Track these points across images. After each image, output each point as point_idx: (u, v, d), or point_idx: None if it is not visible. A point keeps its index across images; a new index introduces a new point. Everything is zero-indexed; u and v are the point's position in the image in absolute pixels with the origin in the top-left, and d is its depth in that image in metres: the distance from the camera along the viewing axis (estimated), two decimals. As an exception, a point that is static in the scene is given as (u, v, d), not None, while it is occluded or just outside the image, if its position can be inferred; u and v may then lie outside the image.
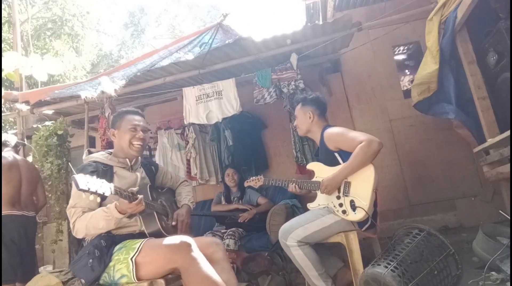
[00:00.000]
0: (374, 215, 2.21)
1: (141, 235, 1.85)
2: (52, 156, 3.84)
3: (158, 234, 1.86)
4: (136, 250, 1.68)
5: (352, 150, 2.16)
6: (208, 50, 3.25)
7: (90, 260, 1.70)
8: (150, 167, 2.19)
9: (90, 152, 2.05)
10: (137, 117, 2.03)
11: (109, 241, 1.76)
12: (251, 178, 2.65)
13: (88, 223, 1.71)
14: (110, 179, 1.82)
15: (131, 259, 1.66)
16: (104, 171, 1.87)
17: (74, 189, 1.74)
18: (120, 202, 1.66)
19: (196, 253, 1.65)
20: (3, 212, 2.81)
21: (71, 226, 1.77)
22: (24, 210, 2.94)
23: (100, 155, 1.97)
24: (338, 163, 2.27)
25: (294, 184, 2.42)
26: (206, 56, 3.32)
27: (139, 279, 1.67)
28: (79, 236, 1.77)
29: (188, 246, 1.64)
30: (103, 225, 1.70)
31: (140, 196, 1.68)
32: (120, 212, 1.66)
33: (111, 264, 1.69)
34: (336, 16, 4.14)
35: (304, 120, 2.45)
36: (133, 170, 2.02)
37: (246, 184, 2.71)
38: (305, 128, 2.46)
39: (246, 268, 2.84)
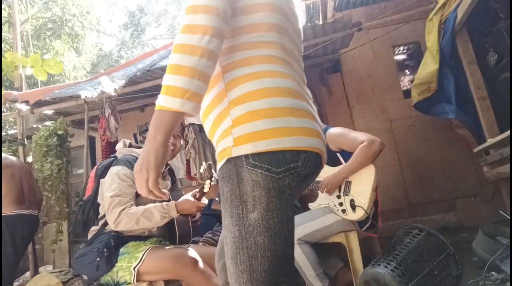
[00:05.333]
0: (375, 215, 2.21)
1: (147, 237, 1.86)
2: (52, 156, 3.84)
3: (186, 240, 1.87)
4: (139, 260, 1.68)
5: (353, 150, 2.17)
6: (208, 50, 3.24)
7: (98, 259, 1.69)
8: (173, 177, 2.18)
9: (131, 145, 1.99)
10: None
11: (118, 241, 1.76)
12: None
13: (141, 215, 1.67)
14: None
15: (133, 268, 1.67)
16: None
17: (116, 178, 1.74)
18: (183, 201, 1.64)
19: (202, 267, 1.66)
20: (12, 212, 2.79)
21: (114, 215, 1.68)
22: (30, 208, 2.94)
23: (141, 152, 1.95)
24: (340, 163, 2.27)
25: None
26: (206, 56, 3.31)
27: (139, 281, 1.70)
28: (119, 228, 1.71)
29: (194, 261, 1.65)
30: (156, 220, 1.68)
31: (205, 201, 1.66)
32: (178, 212, 1.65)
33: (115, 269, 1.70)
34: (336, 16, 4.14)
35: None
36: (164, 176, 2.01)
37: None
38: None
39: None
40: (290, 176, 0.81)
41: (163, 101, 0.78)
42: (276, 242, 0.80)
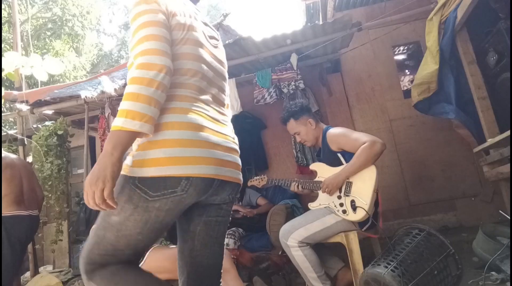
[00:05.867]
0: (375, 216, 2.21)
1: None
2: (52, 156, 3.84)
3: None
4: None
5: (355, 150, 2.17)
6: (208, 50, 3.24)
7: None
8: None
9: None
10: None
11: None
12: (254, 177, 2.66)
13: None
14: None
15: None
16: None
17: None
18: None
19: None
20: (10, 212, 2.78)
21: None
22: (29, 209, 2.92)
23: None
24: (341, 164, 2.27)
25: (296, 183, 2.42)
26: (206, 56, 3.31)
27: None
28: None
29: None
30: None
31: None
32: None
33: None
34: (336, 16, 4.14)
35: (309, 130, 2.44)
36: None
37: (249, 184, 2.71)
38: (312, 137, 2.45)
39: (258, 268, 2.83)
40: (164, 200, 0.98)
41: (122, 123, 0.92)
42: (118, 242, 1.01)
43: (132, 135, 0.93)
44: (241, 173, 1.19)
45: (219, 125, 1.12)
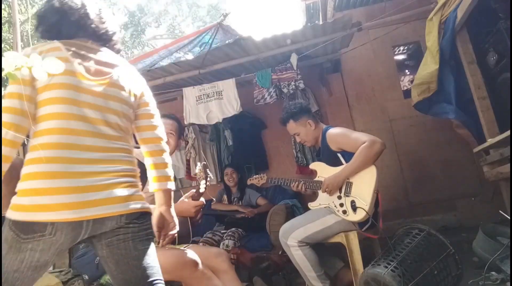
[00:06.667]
0: (375, 216, 2.21)
1: None
2: (52, 156, 3.83)
3: (185, 240, 1.87)
4: None
5: (354, 150, 2.17)
6: (208, 50, 3.25)
7: (98, 258, 1.70)
8: None
9: None
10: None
11: None
12: (254, 176, 2.66)
13: None
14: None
15: None
16: (143, 172, 1.86)
17: None
18: (180, 203, 1.66)
19: (203, 269, 1.67)
20: None
21: None
22: None
23: (140, 153, 1.95)
24: (341, 164, 2.27)
25: (296, 182, 2.42)
26: (206, 56, 3.32)
27: None
28: None
29: (195, 263, 1.65)
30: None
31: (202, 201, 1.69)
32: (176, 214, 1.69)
33: None
34: (336, 16, 4.14)
35: (308, 131, 2.44)
36: None
37: (249, 182, 2.71)
38: (312, 137, 2.45)
39: (258, 268, 2.83)
40: (36, 242, 1.05)
41: None
42: None
43: None
44: (126, 203, 1.16)
45: (91, 165, 1.13)
